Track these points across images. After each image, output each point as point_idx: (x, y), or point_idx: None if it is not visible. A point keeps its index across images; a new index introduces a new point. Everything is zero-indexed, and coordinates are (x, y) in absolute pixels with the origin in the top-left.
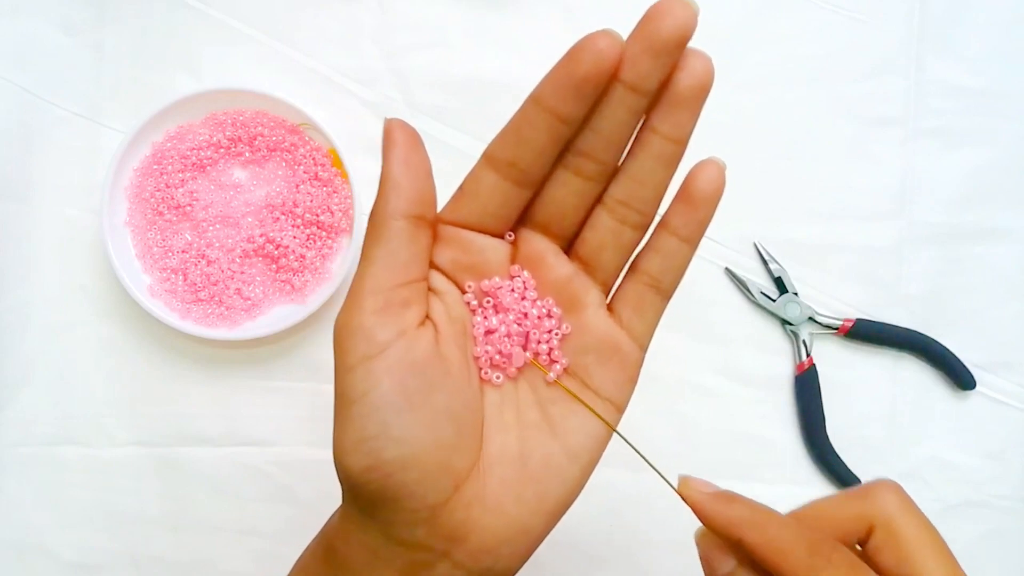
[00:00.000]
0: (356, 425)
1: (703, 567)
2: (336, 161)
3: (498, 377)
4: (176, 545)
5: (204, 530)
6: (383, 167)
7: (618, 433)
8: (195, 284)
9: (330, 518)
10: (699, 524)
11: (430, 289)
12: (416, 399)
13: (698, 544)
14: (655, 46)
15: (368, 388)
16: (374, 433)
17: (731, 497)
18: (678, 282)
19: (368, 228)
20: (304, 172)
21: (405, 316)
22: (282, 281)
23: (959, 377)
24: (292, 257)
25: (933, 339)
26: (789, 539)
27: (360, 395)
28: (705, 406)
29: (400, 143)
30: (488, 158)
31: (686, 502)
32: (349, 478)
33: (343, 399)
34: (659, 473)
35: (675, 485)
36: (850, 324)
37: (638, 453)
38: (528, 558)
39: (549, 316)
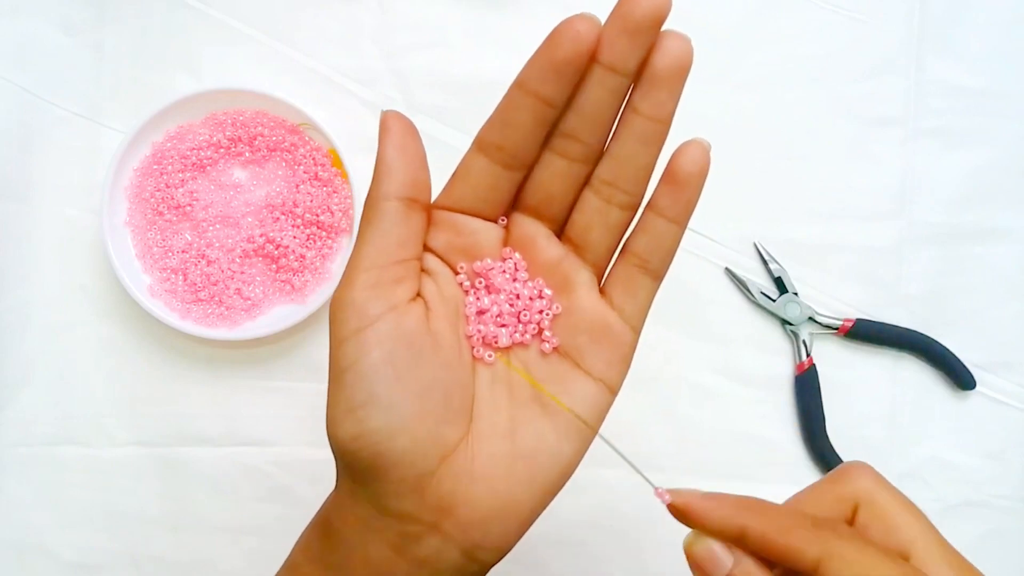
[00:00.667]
0: (346, 395)
1: (699, 574)
2: (336, 161)
3: (490, 355)
4: (176, 545)
5: (204, 530)
6: (378, 152)
7: (606, 440)
8: (195, 284)
9: (329, 495)
10: (688, 532)
11: (424, 270)
12: (404, 370)
13: (691, 551)
14: (630, 27)
15: (358, 358)
16: (362, 401)
17: (720, 495)
18: (668, 263)
19: (363, 210)
20: (304, 172)
21: (396, 292)
22: (282, 281)
23: (959, 377)
24: (292, 257)
25: (933, 339)
26: (790, 518)
27: (350, 364)
28: (705, 406)
29: (395, 131)
30: (478, 143)
31: (676, 510)
32: (339, 447)
33: (335, 370)
34: (644, 476)
35: (660, 493)
36: (850, 324)
37: (623, 458)
38: (519, 537)
39: (540, 296)
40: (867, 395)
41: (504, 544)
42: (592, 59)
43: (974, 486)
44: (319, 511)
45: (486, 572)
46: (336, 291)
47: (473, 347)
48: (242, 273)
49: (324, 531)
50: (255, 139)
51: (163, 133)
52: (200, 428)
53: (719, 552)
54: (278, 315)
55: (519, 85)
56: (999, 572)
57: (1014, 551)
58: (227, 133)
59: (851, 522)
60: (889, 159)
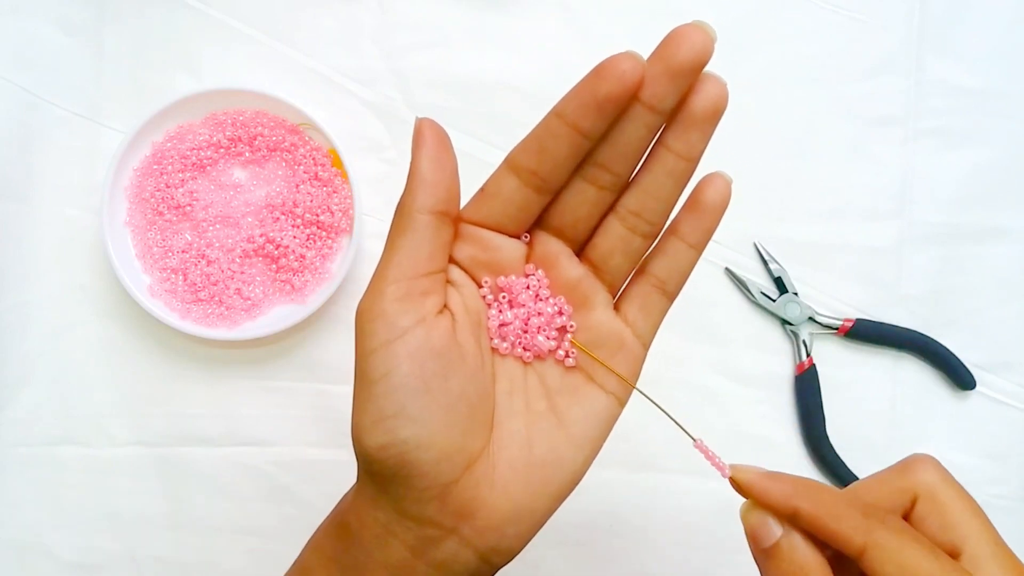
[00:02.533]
0: (375, 405)
1: (751, 542)
2: (336, 161)
3: (529, 356)
4: (176, 545)
5: (204, 530)
6: (412, 163)
7: (648, 397)
8: (195, 284)
9: (343, 497)
10: (744, 501)
11: (448, 281)
12: (433, 382)
13: (746, 519)
14: (673, 69)
15: (388, 370)
16: (392, 412)
17: (780, 475)
18: (682, 285)
19: (394, 219)
20: (304, 172)
21: (425, 304)
22: (282, 281)
23: (959, 377)
24: (292, 257)
25: (933, 339)
26: (842, 505)
27: (380, 376)
28: (705, 406)
29: (430, 141)
30: (510, 164)
31: (738, 484)
32: (366, 455)
33: (363, 380)
34: (688, 433)
35: (715, 459)
36: (850, 324)
37: (679, 425)
38: (531, 539)
39: (560, 313)
40: (867, 395)
41: (517, 547)
42: (633, 97)
43: (974, 486)
44: (333, 513)
45: (495, 573)
46: (363, 301)
47: (505, 355)
48: (242, 273)
49: (340, 532)
50: (255, 139)
51: (163, 133)
52: (200, 428)
53: (771, 523)
54: (278, 315)
55: (558, 115)
56: None
57: (1014, 551)
58: (227, 133)
59: (908, 513)
60: (889, 159)
